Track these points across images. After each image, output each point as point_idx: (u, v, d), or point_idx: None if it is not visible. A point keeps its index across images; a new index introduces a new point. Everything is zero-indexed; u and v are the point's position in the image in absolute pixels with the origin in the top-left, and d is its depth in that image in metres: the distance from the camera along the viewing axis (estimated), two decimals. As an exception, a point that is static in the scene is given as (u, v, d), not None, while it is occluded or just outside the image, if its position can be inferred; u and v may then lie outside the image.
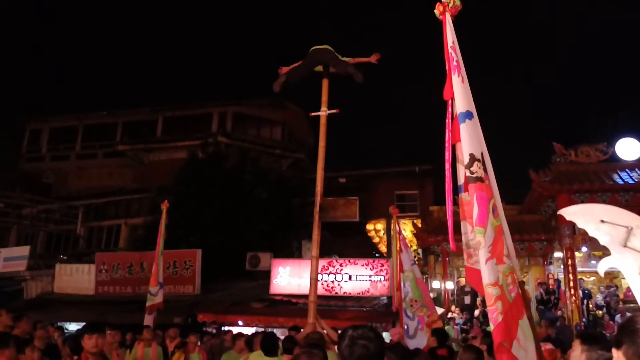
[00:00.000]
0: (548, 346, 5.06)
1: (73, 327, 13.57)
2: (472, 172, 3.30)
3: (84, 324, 6.32)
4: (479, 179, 3.28)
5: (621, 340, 1.56)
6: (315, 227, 5.75)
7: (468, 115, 3.46)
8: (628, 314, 12.70)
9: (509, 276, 3.04)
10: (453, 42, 3.73)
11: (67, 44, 63.16)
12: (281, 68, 6.51)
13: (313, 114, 6.31)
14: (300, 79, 6.58)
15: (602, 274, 2.73)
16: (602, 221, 2.54)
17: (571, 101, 60.33)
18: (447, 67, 3.69)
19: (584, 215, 2.71)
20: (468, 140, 3.42)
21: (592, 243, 14.48)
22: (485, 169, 3.30)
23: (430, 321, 8.51)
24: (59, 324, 12.32)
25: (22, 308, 14.38)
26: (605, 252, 2.69)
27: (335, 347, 4.31)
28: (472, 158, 3.34)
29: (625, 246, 2.45)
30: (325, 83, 6.42)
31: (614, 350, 1.60)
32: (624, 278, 15.34)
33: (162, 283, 10.85)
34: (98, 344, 4.40)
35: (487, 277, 3.08)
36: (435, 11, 3.89)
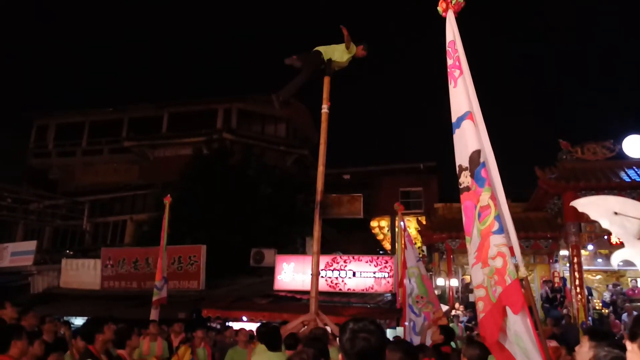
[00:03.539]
0: (552, 344, 5.04)
1: (79, 321, 13.65)
2: (460, 184, 3.40)
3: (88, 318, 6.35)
4: (466, 189, 3.37)
5: (636, 333, 1.53)
6: (315, 223, 5.74)
7: (457, 124, 3.53)
8: (635, 313, 12.63)
9: (492, 277, 3.09)
10: (452, 41, 3.75)
11: (73, 40, 63.40)
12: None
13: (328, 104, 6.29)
14: (298, 90, 6.53)
15: (615, 265, 2.72)
16: (616, 213, 2.50)
17: (578, 98, 60.01)
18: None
19: (596, 207, 2.67)
20: (456, 151, 3.50)
21: (598, 241, 14.39)
22: (472, 175, 3.32)
23: (435, 318, 8.50)
24: (65, 318, 12.41)
25: (28, 302, 14.46)
26: (611, 250, 2.66)
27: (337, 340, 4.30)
28: (460, 169, 3.43)
29: (639, 238, 2.42)
30: (326, 80, 6.39)
31: (628, 343, 1.57)
32: (630, 277, 15.28)
33: (166, 278, 10.90)
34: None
35: (474, 280, 3.31)
36: (439, 8, 3.89)
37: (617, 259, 2.55)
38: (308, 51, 6.45)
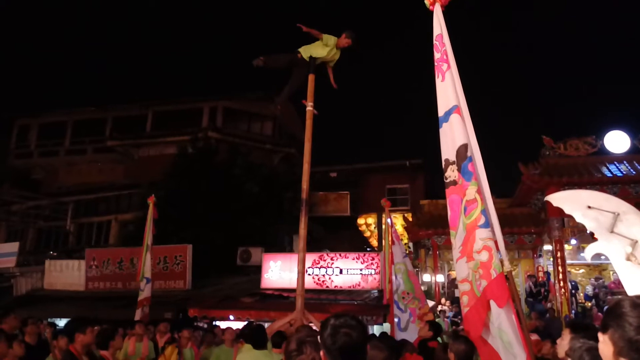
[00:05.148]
0: (533, 337, 5.08)
1: (63, 323, 13.47)
2: (446, 178, 3.40)
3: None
4: (452, 183, 3.37)
5: (607, 324, 1.54)
6: (301, 221, 5.73)
7: (444, 118, 3.53)
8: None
9: (477, 271, 3.10)
10: (439, 34, 3.75)
11: (56, 39, 62.50)
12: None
13: (304, 101, 6.30)
14: (294, 93, 6.53)
15: (589, 259, 2.75)
16: (589, 207, 2.53)
17: (561, 94, 60.75)
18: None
19: (571, 202, 2.70)
20: (443, 145, 3.50)
21: (581, 235, 14.59)
22: (459, 169, 3.33)
23: (421, 313, 8.54)
24: (50, 320, 12.24)
25: (11, 305, 14.26)
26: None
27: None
28: (447, 163, 3.43)
29: (612, 232, 2.45)
30: (310, 78, 6.37)
31: (600, 335, 1.59)
32: (612, 271, 15.52)
33: (148, 278, 10.82)
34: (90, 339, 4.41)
35: (458, 274, 3.32)
36: (425, 1, 3.88)
37: (590, 252, 2.59)
38: (281, 52, 6.45)
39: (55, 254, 21.42)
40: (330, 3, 66.47)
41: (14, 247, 18.95)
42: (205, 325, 12.76)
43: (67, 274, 17.38)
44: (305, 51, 6.26)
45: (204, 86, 63.76)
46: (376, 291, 13.88)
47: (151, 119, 25.41)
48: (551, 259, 15.36)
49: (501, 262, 3.05)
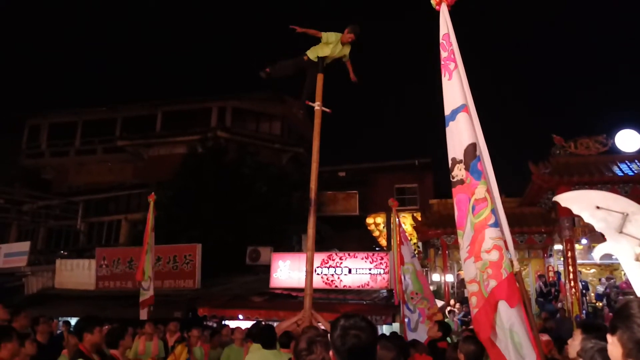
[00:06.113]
0: (544, 337, 5.05)
1: (75, 322, 13.58)
2: (453, 177, 3.38)
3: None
4: (460, 182, 3.36)
5: (616, 326, 1.53)
6: (310, 220, 5.74)
7: (451, 117, 3.53)
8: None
9: (485, 271, 3.08)
10: (446, 33, 3.74)
11: (56, 39, 62.96)
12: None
13: (309, 102, 6.31)
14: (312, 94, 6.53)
15: (597, 259, 2.73)
16: (598, 207, 2.51)
17: (571, 93, 60.25)
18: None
19: (579, 202, 2.68)
20: (450, 144, 3.49)
21: (592, 235, 14.47)
22: (467, 168, 3.31)
23: (430, 314, 8.52)
24: (63, 319, 12.39)
25: (23, 303, 14.40)
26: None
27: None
28: (453, 162, 3.42)
29: (620, 232, 2.43)
30: (319, 78, 6.38)
31: (608, 336, 1.58)
32: (623, 271, 15.40)
33: (151, 277, 10.88)
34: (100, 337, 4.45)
35: (466, 275, 3.32)
36: (432, 1, 3.87)
37: (599, 253, 2.57)
38: (282, 53, 6.47)
39: (65, 253, 21.60)
40: (330, 3, 66.39)
41: (25, 246, 19.10)
42: (215, 325, 12.81)
43: (77, 273, 17.51)
44: (312, 52, 6.27)
45: (204, 86, 63.97)
46: (385, 291, 13.85)
47: (160, 118, 25.56)
48: (562, 259, 15.25)
49: (511, 262, 3.03)
